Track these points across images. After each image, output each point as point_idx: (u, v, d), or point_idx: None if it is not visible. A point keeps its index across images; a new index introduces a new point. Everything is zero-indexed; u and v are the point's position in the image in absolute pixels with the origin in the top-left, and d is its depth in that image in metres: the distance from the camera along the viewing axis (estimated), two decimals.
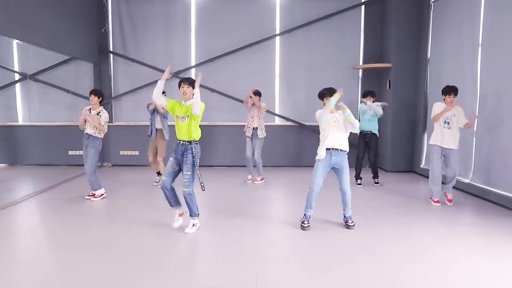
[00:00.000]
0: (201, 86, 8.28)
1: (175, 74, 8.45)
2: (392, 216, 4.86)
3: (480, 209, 5.22)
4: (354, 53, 8.47)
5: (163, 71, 8.39)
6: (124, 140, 8.54)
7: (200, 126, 4.19)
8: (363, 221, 4.58)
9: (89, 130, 5.51)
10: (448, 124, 5.20)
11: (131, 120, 8.54)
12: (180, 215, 4.28)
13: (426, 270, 3.25)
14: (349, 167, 4.36)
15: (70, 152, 8.36)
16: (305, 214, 4.36)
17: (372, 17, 8.38)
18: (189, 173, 4.04)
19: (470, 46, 6.00)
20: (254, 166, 6.90)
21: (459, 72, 6.28)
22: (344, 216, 4.43)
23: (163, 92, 6.56)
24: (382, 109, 6.43)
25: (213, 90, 8.40)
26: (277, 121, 8.61)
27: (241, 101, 7.99)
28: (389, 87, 7.95)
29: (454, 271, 3.26)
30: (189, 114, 4.02)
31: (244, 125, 6.94)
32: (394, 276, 3.14)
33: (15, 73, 8.21)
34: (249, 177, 6.98)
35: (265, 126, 6.89)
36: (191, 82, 4.11)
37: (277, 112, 8.59)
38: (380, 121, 6.72)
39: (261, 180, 6.89)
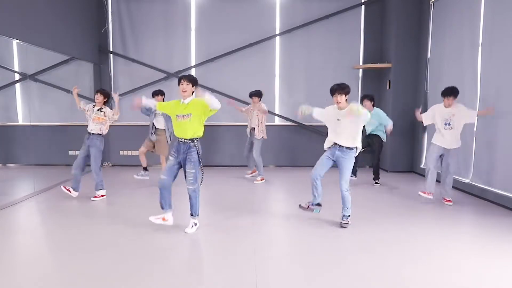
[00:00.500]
0: (201, 86, 8.34)
1: (175, 74, 8.46)
2: (392, 216, 4.86)
3: (480, 209, 5.22)
4: (354, 53, 8.47)
5: (163, 71, 8.48)
6: (124, 140, 8.53)
7: None
8: (363, 221, 4.58)
9: (91, 127, 5.50)
10: (449, 125, 5.17)
11: (131, 120, 8.53)
12: (164, 219, 4.20)
13: (426, 270, 3.25)
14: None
15: (70, 152, 8.35)
16: (310, 201, 4.57)
17: (372, 17, 8.38)
18: (194, 171, 4.04)
19: (470, 46, 5.99)
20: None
21: (459, 72, 6.28)
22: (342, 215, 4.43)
23: (162, 94, 6.54)
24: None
25: (213, 90, 8.39)
26: (277, 121, 8.61)
27: (241, 101, 8.00)
28: (389, 87, 7.95)
29: (454, 271, 3.26)
30: (191, 112, 4.00)
31: (244, 125, 7.01)
32: (394, 276, 3.14)
33: (15, 73, 8.21)
34: (248, 172, 7.19)
35: (266, 126, 6.89)
36: (190, 80, 4.09)
37: (277, 112, 8.59)
38: None
39: (261, 180, 6.89)
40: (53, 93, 8.39)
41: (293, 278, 3.12)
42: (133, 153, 8.54)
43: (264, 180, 6.91)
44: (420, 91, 7.63)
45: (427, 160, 5.45)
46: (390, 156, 8.00)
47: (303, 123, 8.47)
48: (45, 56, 7.63)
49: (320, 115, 4.53)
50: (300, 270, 3.30)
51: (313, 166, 4.48)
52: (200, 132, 4.10)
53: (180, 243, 3.94)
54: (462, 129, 5.24)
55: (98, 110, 5.53)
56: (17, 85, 8.31)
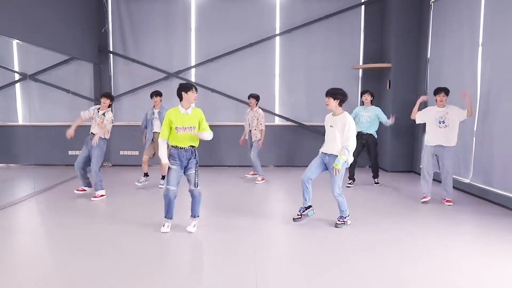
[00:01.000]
0: (200, 86, 8.37)
1: (175, 74, 8.46)
2: (392, 216, 4.86)
3: (480, 209, 5.22)
4: (354, 53, 8.47)
5: (163, 71, 8.48)
6: (124, 140, 8.54)
7: None
8: (363, 221, 4.58)
9: (95, 129, 5.55)
10: (443, 123, 5.26)
11: (131, 120, 8.53)
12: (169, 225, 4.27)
13: (426, 270, 3.25)
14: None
15: (70, 152, 8.35)
16: (300, 207, 4.49)
17: (372, 17, 8.38)
18: (197, 173, 4.13)
19: (470, 46, 5.99)
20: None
21: (459, 72, 6.28)
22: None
23: (160, 94, 6.43)
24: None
25: (213, 90, 8.40)
26: (277, 121, 8.61)
27: (241, 101, 8.00)
28: (389, 87, 7.95)
29: (454, 271, 3.26)
30: (195, 125, 4.06)
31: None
32: (394, 276, 3.14)
33: (15, 73, 8.21)
34: (250, 172, 7.26)
35: (266, 126, 6.88)
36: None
37: (277, 112, 8.59)
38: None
39: (261, 180, 6.89)
40: (53, 93, 8.39)
41: (293, 278, 3.12)
42: (133, 153, 8.56)
43: (264, 180, 6.91)
44: (420, 91, 7.62)
45: (423, 163, 5.54)
46: (390, 156, 8.01)
47: (303, 123, 8.48)
48: (45, 56, 7.63)
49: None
50: (300, 270, 3.30)
51: None
52: (198, 140, 4.21)
53: (180, 243, 3.94)
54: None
55: (102, 114, 5.59)
56: (17, 85, 8.31)
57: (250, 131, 6.88)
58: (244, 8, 8.38)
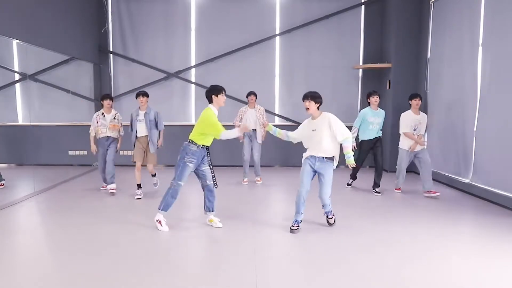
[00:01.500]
0: (200, 86, 8.37)
1: (175, 74, 8.46)
2: (391, 215, 4.86)
3: (480, 209, 5.22)
4: (354, 53, 8.47)
5: (163, 71, 8.47)
6: (124, 140, 8.49)
7: None
8: (363, 221, 4.58)
9: (110, 133, 5.95)
10: (415, 131, 5.85)
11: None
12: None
13: (426, 270, 3.25)
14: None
15: (70, 152, 8.36)
16: (295, 219, 4.28)
17: (372, 17, 8.38)
18: (212, 170, 4.45)
19: (470, 46, 5.99)
20: (252, 166, 6.90)
21: (459, 72, 6.27)
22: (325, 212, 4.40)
23: (146, 95, 5.91)
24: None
25: None
26: (277, 121, 8.61)
27: (241, 101, 7.99)
28: (389, 87, 7.95)
29: (454, 271, 3.26)
30: None
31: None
32: (393, 276, 3.14)
33: (15, 73, 8.21)
34: (245, 179, 6.89)
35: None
36: None
37: (277, 112, 8.59)
38: None
39: (260, 180, 6.92)
40: (53, 93, 8.39)
41: (293, 278, 3.12)
42: (133, 153, 8.53)
43: (261, 182, 6.89)
44: (420, 91, 7.61)
45: (401, 163, 6.07)
46: (390, 156, 8.00)
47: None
48: (45, 56, 7.63)
49: (298, 133, 4.48)
50: (300, 270, 3.30)
51: None
52: None
53: (180, 243, 3.94)
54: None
55: (113, 118, 5.99)
56: (17, 85, 8.32)
57: (255, 130, 6.70)
58: (244, 8, 8.38)
